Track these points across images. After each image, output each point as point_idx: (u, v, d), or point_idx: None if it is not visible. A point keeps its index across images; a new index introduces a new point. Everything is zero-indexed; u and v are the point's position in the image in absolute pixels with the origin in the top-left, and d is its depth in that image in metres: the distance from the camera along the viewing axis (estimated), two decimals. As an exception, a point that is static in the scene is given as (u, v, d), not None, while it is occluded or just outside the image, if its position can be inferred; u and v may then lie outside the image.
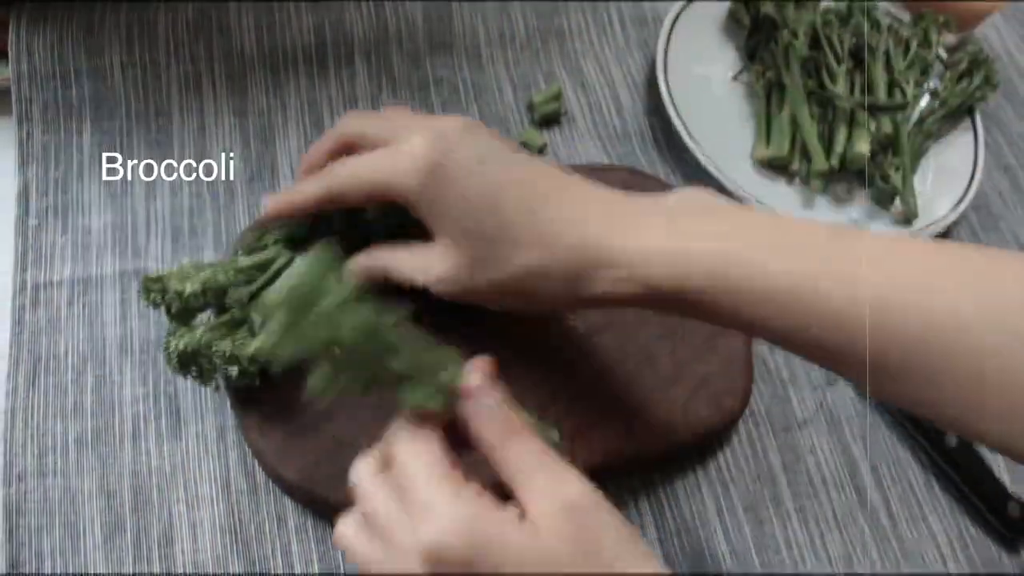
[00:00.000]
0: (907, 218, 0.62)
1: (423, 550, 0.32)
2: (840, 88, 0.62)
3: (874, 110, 0.63)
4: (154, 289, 0.45)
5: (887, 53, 0.65)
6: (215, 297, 0.46)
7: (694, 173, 0.63)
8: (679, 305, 0.38)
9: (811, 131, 0.62)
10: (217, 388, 0.48)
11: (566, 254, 0.40)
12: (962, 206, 0.63)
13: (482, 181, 0.41)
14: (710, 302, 0.37)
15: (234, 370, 0.45)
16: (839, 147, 0.62)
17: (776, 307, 0.36)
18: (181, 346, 0.44)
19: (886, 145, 0.63)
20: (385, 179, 0.42)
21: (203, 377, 0.46)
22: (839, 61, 0.63)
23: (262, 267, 0.49)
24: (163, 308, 0.46)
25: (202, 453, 0.49)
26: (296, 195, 0.45)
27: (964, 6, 0.70)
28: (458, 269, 0.42)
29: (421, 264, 0.43)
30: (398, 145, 0.42)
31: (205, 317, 0.48)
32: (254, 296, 0.47)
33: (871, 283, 0.35)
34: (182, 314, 0.46)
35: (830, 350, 0.36)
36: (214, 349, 0.44)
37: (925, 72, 0.65)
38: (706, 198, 0.40)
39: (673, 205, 0.40)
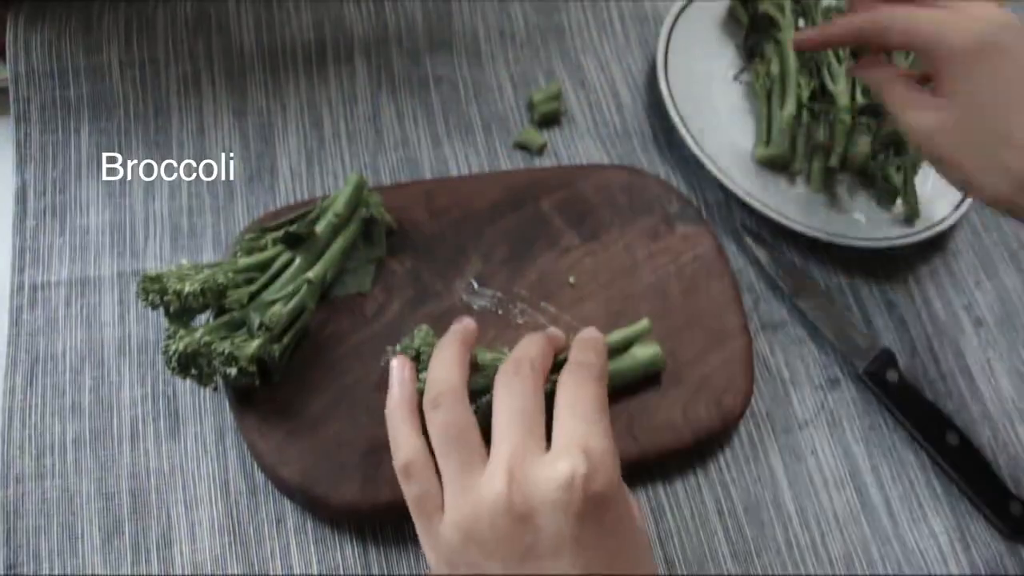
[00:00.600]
0: (908, 218, 0.61)
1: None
2: (841, 87, 0.62)
3: (874, 112, 0.62)
4: (152, 289, 0.45)
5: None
6: (214, 298, 0.46)
7: (694, 172, 0.63)
8: None
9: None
10: (216, 389, 0.48)
11: None
12: (963, 207, 0.63)
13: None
14: None
15: (233, 371, 0.44)
16: (839, 147, 0.61)
17: None
18: (181, 347, 0.44)
19: (887, 144, 0.62)
20: (936, 30, 0.45)
21: (203, 378, 0.45)
22: (840, 60, 0.63)
23: (262, 267, 0.49)
24: (161, 308, 0.45)
25: (201, 454, 0.49)
26: (834, 27, 0.52)
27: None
28: (949, 132, 0.46)
29: (919, 102, 0.47)
30: (955, 12, 0.45)
31: (204, 318, 0.47)
32: (253, 297, 0.47)
33: None
34: (181, 314, 0.46)
35: None
36: (214, 350, 0.44)
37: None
38: None
39: None
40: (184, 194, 0.57)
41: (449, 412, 0.39)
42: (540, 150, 0.62)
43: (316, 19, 0.64)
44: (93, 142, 0.58)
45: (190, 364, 0.45)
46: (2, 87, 0.58)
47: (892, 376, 0.56)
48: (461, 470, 0.37)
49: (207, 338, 0.44)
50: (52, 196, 0.56)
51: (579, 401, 0.39)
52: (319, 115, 0.61)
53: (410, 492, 0.39)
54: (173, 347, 0.44)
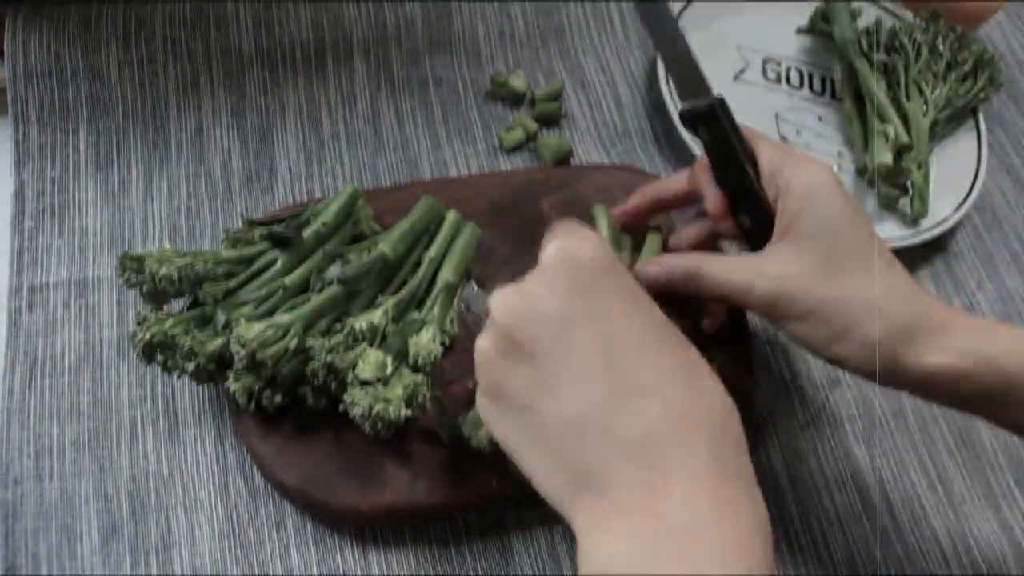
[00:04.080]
0: (916, 218, 0.61)
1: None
2: (881, 96, 0.63)
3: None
4: (130, 267, 0.45)
5: (905, 55, 0.65)
6: (189, 285, 0.46)
7: (695, 173, 0.63)
8: (998, 388, 0.41)
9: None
10: (180, 376, 0.46)
11: (911, 305, 0.42)
12: (965, 207, 0.62)
13: (846, 206, 0.43)
14: None
15: (191, 366, 0.44)
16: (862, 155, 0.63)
17: None
18: (147, 337, 0.44)
19: (902, 152, 0.62)
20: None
21: (168, 368, 0.45)
22: (875, 69, 0.65)
23: (244, 262, 0.48)
24: (137, 288, 0.46)
25: (200, 456, 0.49)
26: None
27: (967, 5, 0.69)
28: (798, 271, 0.43)
29: (750, 266, 0.44)
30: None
31: (182, 304, 0.47)
32: (230, 293, 0.47)
33: None
34: (154, 296, 0.46)
35: None
36: (177, 343, 0.44)
37: (937, 75, 0.65)
38: None
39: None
40: (182, 194, 0.57)
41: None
42: (533, 136, 0.61)
43: (315, 19, 0.64)
44: (91, 142, 0.57)
45: (154, 353, 0.45)
46: (0, 87, 0.58)
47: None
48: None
49: (174, 330, 0.44)
50: (50, 197, 0.55)
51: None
52: (318, 115, 0.61)
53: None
54: (139, 335, 0.44)
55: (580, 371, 0.34)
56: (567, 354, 0.34)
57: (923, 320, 0.41)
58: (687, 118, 0.49)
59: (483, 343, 0.36)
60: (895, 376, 0.42)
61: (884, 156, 0.61)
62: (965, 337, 0.41)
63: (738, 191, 0.47)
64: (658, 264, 0.47)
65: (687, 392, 0.34)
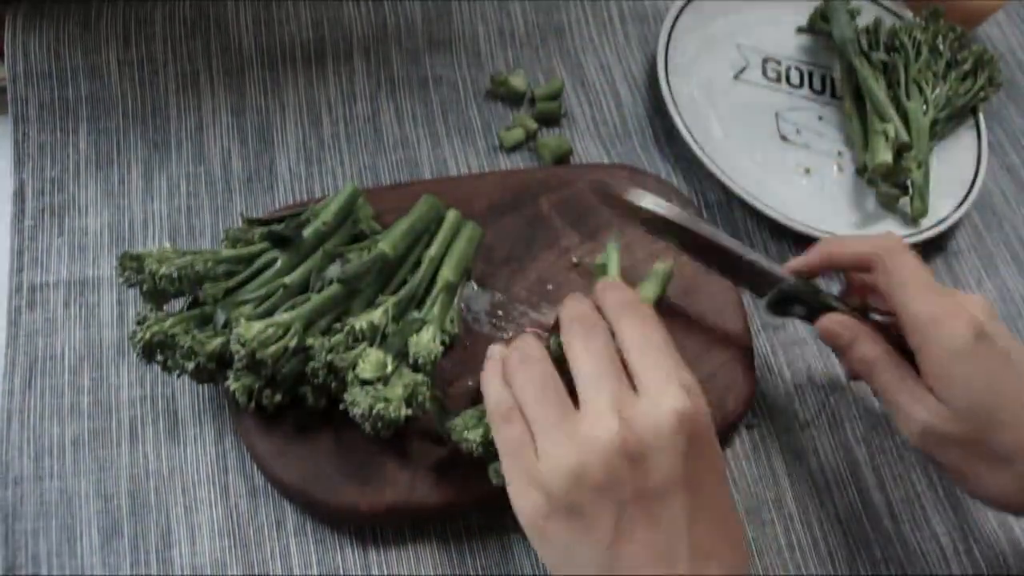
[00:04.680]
0: (915, 217, 0.61)
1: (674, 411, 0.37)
2: (880, 95, 0.63)
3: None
4: (130, 266, 0.45)
5: (905, 54, 0.65)
6: (189, 284, 0.45)
7: (694, 172, 0.62)
8: None
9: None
10: (180, 375, 0.47)
11: None
12: (965, 206, 0.62)
13: (1007, 366, 0.43)
14: None
15: (191, 365, 0.44)
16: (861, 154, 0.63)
17: None
18: (147, 336, 0.44)
19: (902, 151, 0.62)
20: (931, 321, 0.43)
21: (168, 368, 0.45)
22: (875, 68, 0.64)
23: (244, 261, 0.48)
24: (137, 287, 0.45)
25: (200, 456, 0.49)
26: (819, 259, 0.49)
27: (967, 4, 0.69)
28: (953, 434, 0.43)
29: (916, 402, 0.44)
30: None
31: (182, 303, 0.47)
32: (229, 293, 0.47)
33: None
34: (154, 295, 0.45)
35: None
36: (177, 342, 0.44)
37: (937, 74, 0.65)
38: None
39: None
40: (182, 194, 0.57)
41: (538, 364, 0.40)
42: (532, 135, 0.61)
43: (315, 18, 0.64)
44: (91, 142, 0.57)
45: (155, 353, 0.45)
46: (0, 86, 0.58)
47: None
48: (561, 417, 0.37)
49: (173, 329, 0.44)
50: (50, 196, 0.55)
51: (648, 339, 0.39)
52: (318, 115, 0.61)
53: (510, 434, 0.39)
54: (139, 335, 0.44)
55: (668, 533, 0.36)
56: (662, 514, 0.36)
57: None
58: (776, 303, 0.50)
59: (587, 462, 0.36)
60: None
61: (884, 155, 0.61)
62: None
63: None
64: (853, 346, 0.46)
65: (743, 554, 0.38)
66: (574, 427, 0.37)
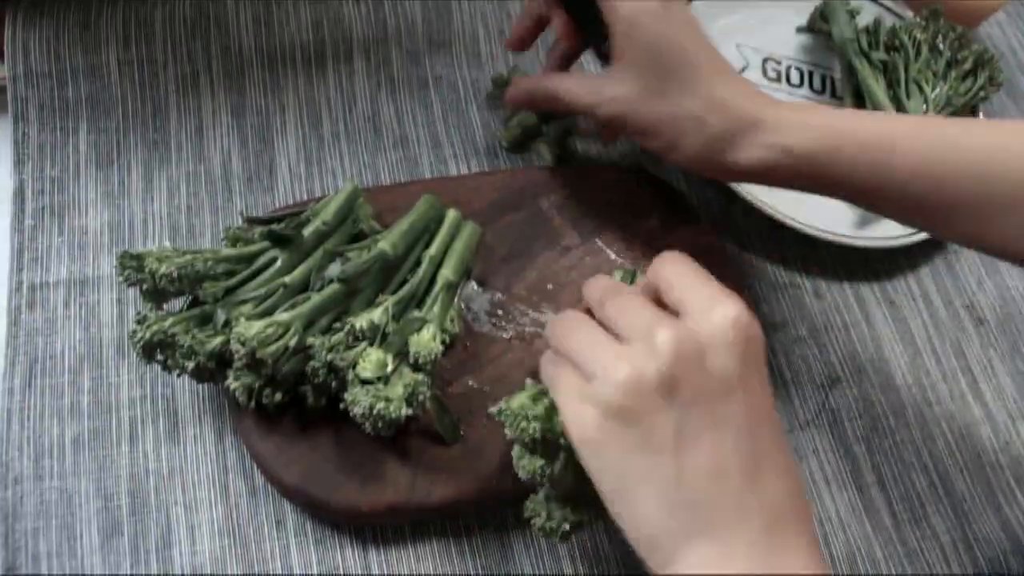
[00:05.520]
0: None
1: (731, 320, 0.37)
2: (880, 94, 0.63)
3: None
4: (130, 266, 0.45)
5: (905, 53, 0.65)
6: (190, 284, 0.45)
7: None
8: (807, 172, 0.46)
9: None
10: (180, 375, 0.46)
11: (724, 113, 0.46)
12: (965, 205, 0.62)
13: (670, 27, 0.47)
14: (842, 166, 0.45)
15: (191, 365, 0.44)
16: None
17: (893, 167, 0.45)
18: (148, 336, 0.44)
19: None
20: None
21: (168, 367, 0.45)
22: (875, 68, 0.64)
23: (245, 260, 0.48)
24: (137, 286, 0.45)
25: (200, 455, 0.49)
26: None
27: (967, 4, 0.69)
28: (630, 93, 0.47)
29: (593, 88, 0.49)
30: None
31: (182, 303, 0.47)
32: (229, 292, 0.47)
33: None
34: (154, 294, 0.45)
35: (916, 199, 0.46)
36: (176, 341, 0.44)
37: (937, 74, 0.65)
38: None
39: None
40: (183, 194, 0.57)
41: (582, 321, 0.40)
42: (533, 136, 0.61)
43: (315, 19, 0.64)
44: (91, 142, 0.57)
45: (154, 352, 0.45)
46: (0, 86, 0.58)
47: None
48: (611, 344, 0.37)
49: (174, 328, 0.44)
50: (51, 196, 0.55)
51: (687, 271, 0.39)
52: (318, 115, 0.61)
53: (559, 370, 0.39)
54: (140, 334, 0.44)
55: (730, 432, 0.36)
56: (724, 414, 0.36)
57: (740, 124, 0.46)
58: None
59: (642, 369, 0.36)
60: (723, 175, 0.49)
61: None
62: (773, 134, 0.46)
63: (582, 11, 0.50)
64: (518, 86, 0.55)
65: (797, 477, 0.38)
66: (625, 348, 0.37)
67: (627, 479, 0.36)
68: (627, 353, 0.36)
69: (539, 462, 0.39)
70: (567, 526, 0.41)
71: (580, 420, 0.36)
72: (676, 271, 0.39)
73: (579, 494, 0.40)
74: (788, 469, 0.37)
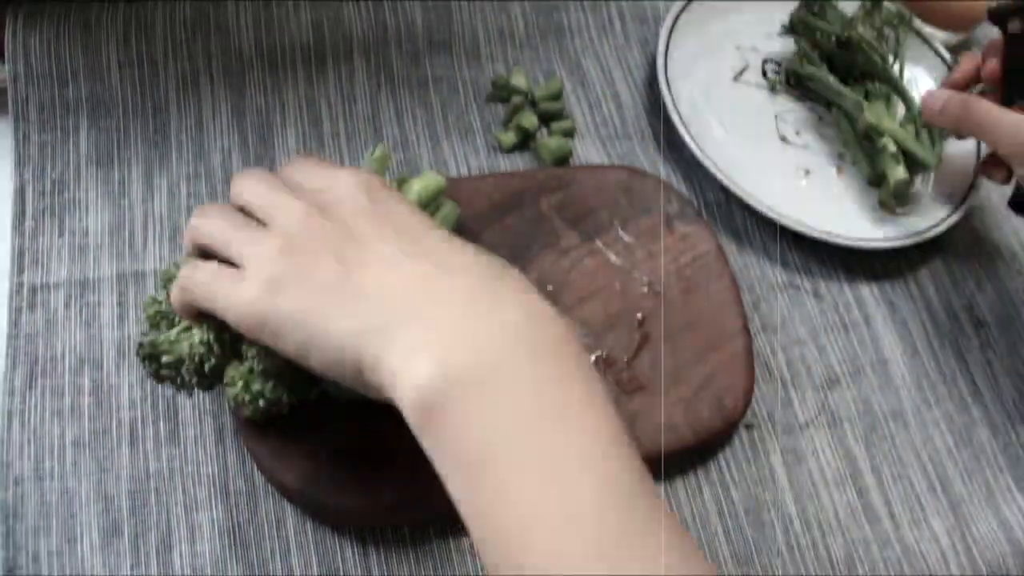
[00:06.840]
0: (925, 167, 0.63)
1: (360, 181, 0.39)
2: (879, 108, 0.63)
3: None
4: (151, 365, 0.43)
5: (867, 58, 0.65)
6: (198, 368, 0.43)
7: (694, 172, 0.63)
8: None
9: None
10: (192, 393, 0.46)
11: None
12: (964, 208, 0.62)
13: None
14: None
15: (195, 379, 0.44)
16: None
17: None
18: (154, 369, 0.43)
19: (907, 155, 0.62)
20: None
21: (179, 385, 0.44)
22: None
23: None
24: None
25: (200, 456, 0.49)
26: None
27: (963, 6, 0.69)
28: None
29: (1018, 119, 0.53)
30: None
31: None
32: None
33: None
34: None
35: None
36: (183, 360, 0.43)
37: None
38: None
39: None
40: (183, 194, 0.57)
41: (215, 210, 0.41)
42: (533, 136, 0.61)
43: (315, 19, 0.64)
44: (92, 142, 0.57)
45: (164, 377, 0.43)
46: (1, 87, 0.58)
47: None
48: (251, 227, 0.39)
49: (177, 337, 0.43)
50: (51, 197, 0.55)
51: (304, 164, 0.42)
52: (318, 114, 0.61)
53: (202, 275, 0.39)
54: (151, 367, 0.43)
55: (390, 243, 0.37)
56: (376, 234, 0.37)
57: None
58: (997, 13, 0.56)
59: (287, 233, 0.38)
60: None
61: (897, 172, 0.60)
62: None
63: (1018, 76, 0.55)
64: (935, 96, 0.58)
65: (491, 257, 0.40)
66: (265, 231, 0.38)
67: (307, 326, 0.36)
68: (270, 230, 0.38)
69: (237, 370, 0.41)
70: (262, 402, 0.41)
71: (245, 299, 0.37)
72: (297, 169, 0.42)
73: (288, 375, 0.40)
74: (465, 249, 0.39)
